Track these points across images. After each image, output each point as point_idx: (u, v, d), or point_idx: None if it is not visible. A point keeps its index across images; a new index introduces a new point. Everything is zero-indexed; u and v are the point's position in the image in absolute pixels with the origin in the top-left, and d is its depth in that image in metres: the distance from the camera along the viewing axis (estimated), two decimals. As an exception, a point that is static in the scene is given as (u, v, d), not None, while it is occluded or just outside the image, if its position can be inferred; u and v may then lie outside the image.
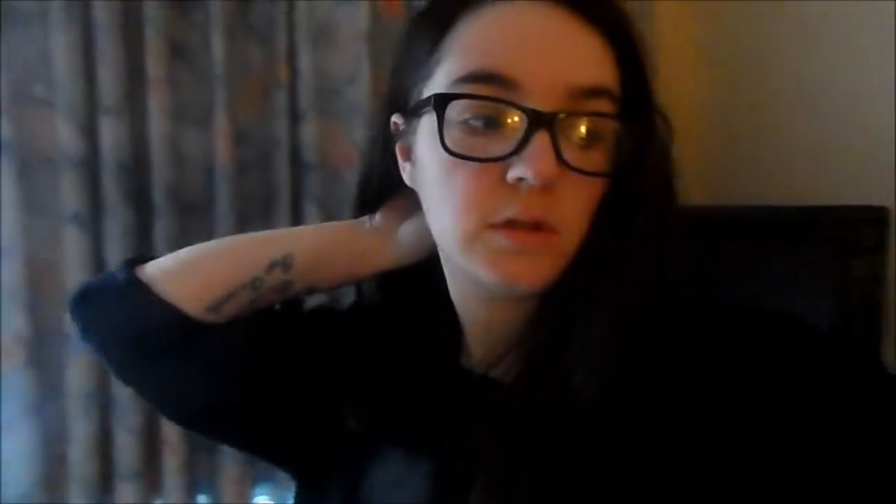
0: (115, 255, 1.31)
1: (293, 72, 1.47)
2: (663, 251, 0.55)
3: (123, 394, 1.31)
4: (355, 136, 1.54)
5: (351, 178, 1.53)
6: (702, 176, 1.41)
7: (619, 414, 0.50)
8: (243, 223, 1.45)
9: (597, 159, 0.52)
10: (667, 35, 1.49)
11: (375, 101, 1.54)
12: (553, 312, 0.55)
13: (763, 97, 1.43)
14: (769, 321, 0.52)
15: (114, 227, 1.32)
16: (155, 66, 1.34)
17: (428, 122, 0.55)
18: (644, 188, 0.53)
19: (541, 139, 0.49)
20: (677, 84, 1.27)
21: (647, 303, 0.53)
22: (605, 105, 0.52)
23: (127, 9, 1.31)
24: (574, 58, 0.51)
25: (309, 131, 1.49)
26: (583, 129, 0.51)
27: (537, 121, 0.50)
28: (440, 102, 0.52)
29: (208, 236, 1.43)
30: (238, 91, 1.44)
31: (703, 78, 1.53)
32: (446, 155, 0.52)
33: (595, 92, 0.51)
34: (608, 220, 0.53)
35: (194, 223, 1.44)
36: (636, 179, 0.53)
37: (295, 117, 1.48)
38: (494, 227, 0.51)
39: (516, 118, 0.50)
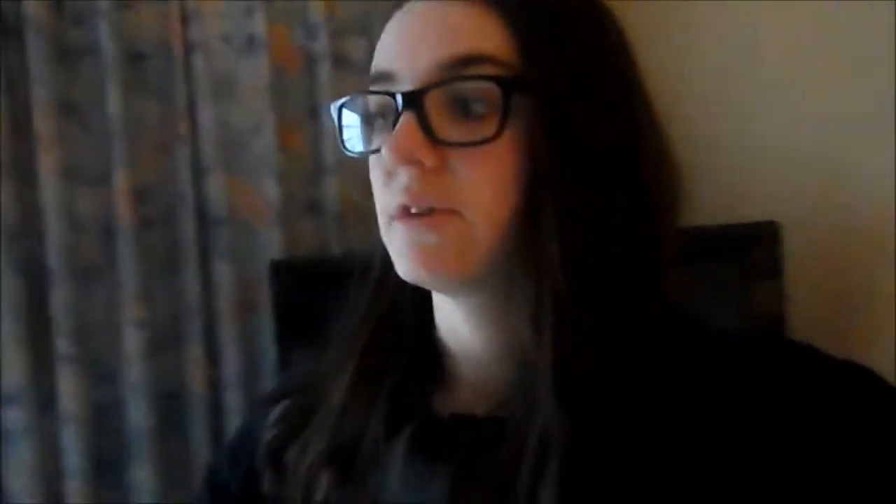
0: (8, 327, 1.23)
1: (194, 126, 1.44)
2: (620, 250, 0.49)
3: None
4: (263, 189, 1.51)
5: (261, 231, 1.50)
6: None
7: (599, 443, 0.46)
8: (148, 284, 1.39)
9: (489, 129, 0.48)
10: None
11: (282, 152, 1.52)
12: (503, 314, 0.52)
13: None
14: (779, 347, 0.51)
15: (5, 297, 1.24)
16: (44, 124, 1.29)
17: None
18: (551, 160, 0.48)
19: (403, 118, 0.48)
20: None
21: (577, 300, 0.47)
22: (486, 72, 0.48)
23: (11, 64, 1.26)
24: (444, 33, 0.49)
25: (214, 185, 1.45)
26: (458, 98, 0.48)
27: (402, 101, 0.48)
28: (336, 109, 0.54)
29: (110, 301, 1.37)
30: (137, 147, 1.39)
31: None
32: (359, 156, 0.53)
33: (469, 60, 0.48)
34: (529, 200, 0.48)
35: (95, 288, 1.37)
36: (540, 151, 0.48)
37: (199, 172, 1.44)
38: (394, 217, 0.50)
39: (394, 106, 0.49)
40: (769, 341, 0.51)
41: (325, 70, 1.57)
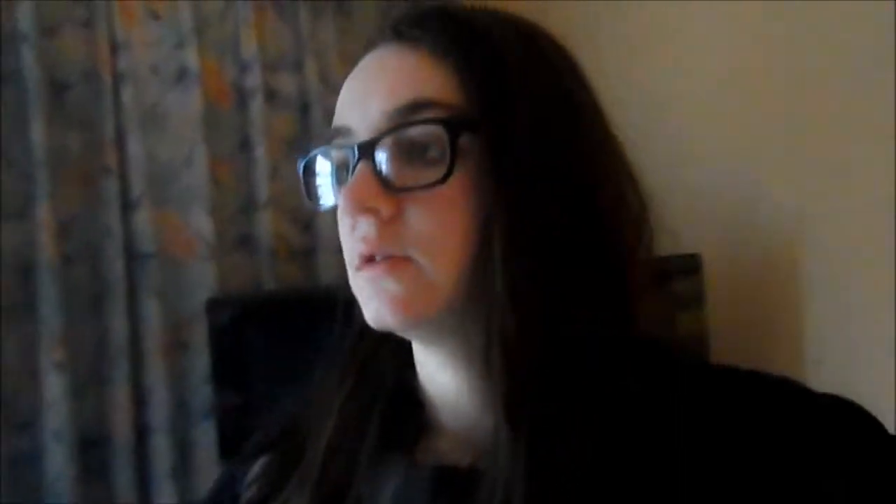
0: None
1: (122, 158, 1.38)
2: (575, 285, 0.49)
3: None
4: (194, 223, 1.46)
5: (192, 266, 1.45)
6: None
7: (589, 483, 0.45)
8: (71, 324, 1.31)
9: (437, 173, 0.48)
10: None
11: (213, 186, 1.49)
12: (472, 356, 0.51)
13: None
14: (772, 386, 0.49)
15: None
16: (-40, 154, 1.20)
17: None
18: (502, 202, 0.48)
19: (358, 169, 0.49)
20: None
21: (526, 339, 0.47)
22: (431, 116, 0.48)
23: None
24: (391, 84, 0.50)
25: (143, 219, 1.39)
26: (408, 144, 0.49)
27: (358, 153, 0.49)
28: (302, 164, 0.54)
29: (29, 342, 1.28)
30: (60, 179, 1.32)
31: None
32: (323, 210, 0.55)
33: (415, 106, 0.49)
34: (483, 242, 0.48)
35: (12, 329, 1.28)
36: (493, 192, 0.48)
37: (127, 205, 1.38)
38: (357, 266, 0.51)
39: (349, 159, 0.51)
40: (748, 375, 0.51)
41: (257, 104, 1.56)
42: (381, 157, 0.49)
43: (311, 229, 1.63)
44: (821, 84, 1.38)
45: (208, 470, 1.43)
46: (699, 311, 1.46)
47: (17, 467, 1.26)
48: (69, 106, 1.37)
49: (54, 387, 1.27)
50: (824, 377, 1.37)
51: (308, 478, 0.56)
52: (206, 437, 1.43)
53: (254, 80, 1.56)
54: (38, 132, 1.28)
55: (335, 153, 0.52)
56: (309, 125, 1.62)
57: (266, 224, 1.55)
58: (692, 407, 0.47)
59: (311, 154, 0.54)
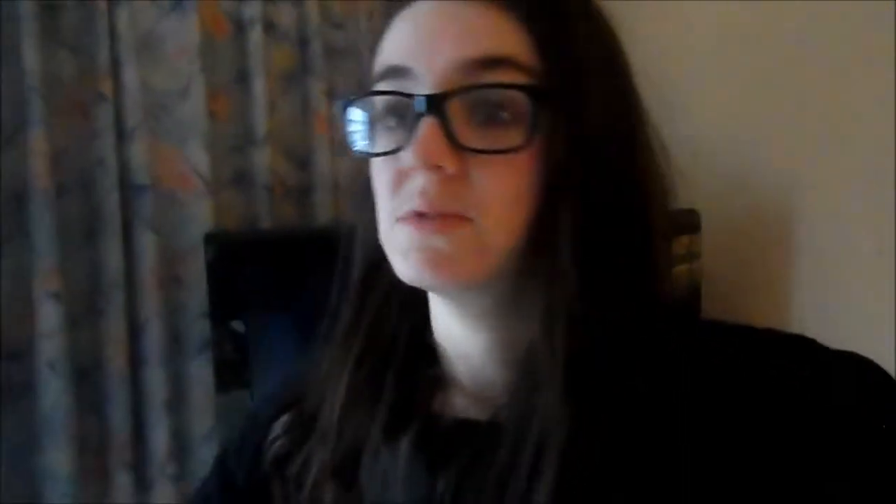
0: None
1: (117, 86, 1.34)
2: (623, 248, 0.49)
3: None
4: (190, 157, 1.43)
5: (188, 201, 1.43)
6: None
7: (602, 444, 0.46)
8: (65, 254, 1.29)
9: (513, 137, 0.47)
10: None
11: (209, 119, 1.46)
12: (511, 320, 0.52)
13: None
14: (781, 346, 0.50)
15: None
16: (-50, 75, 1.16)
17: None
18: (571, 169, 0.48)
19: (426, 122, 0.47)
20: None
21: (587, 304, 0.48)
22: (509, 76, 0.47)
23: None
24: (463, 32, 0.48)
25: (138, 151, 1.36)
26: (482, 103, 0.48)
27: (424, 104, 0.47)
28: (343, 107, 0.52)
29: (23, 272, 1.26)
30: (53, 106, 1.28)
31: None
32: (371, 158, 0.52)
33: (492, 61, 0.47)
34: (545, 207, 0.48)
35: (7, 256, 1.25)
36: (561, 159, 0.48)
37: (121, 135, 1.35)
38: (401, 220, 0.49)
39: (412, 107, 0.48)
40: (766, 335, 0.51)
41: (255, 35, 1.51)
42: (451, 112, 0.47)
43: (308, 167, 1.61)
44: (823, 46, 1.38)
45: (203, 404, 1.44)
46: (695, 264, 1.47)
47: (12, 397, 1.26)
48: (62, 30, 1.32)
49: (49, 317, 1.26)
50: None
51: (327, 435, 0.56)
52: (201, 371, 1.43)
53: (252, 10, 1.51)
54: (30, 57, 1.23)
55: (400, 100, 0.49)
56: (308, 59, 1.58)
57: (263, 160, 1.52)
58: (708, 370, 0.48)
59: (359, 96, 0.51)
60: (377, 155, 0.51)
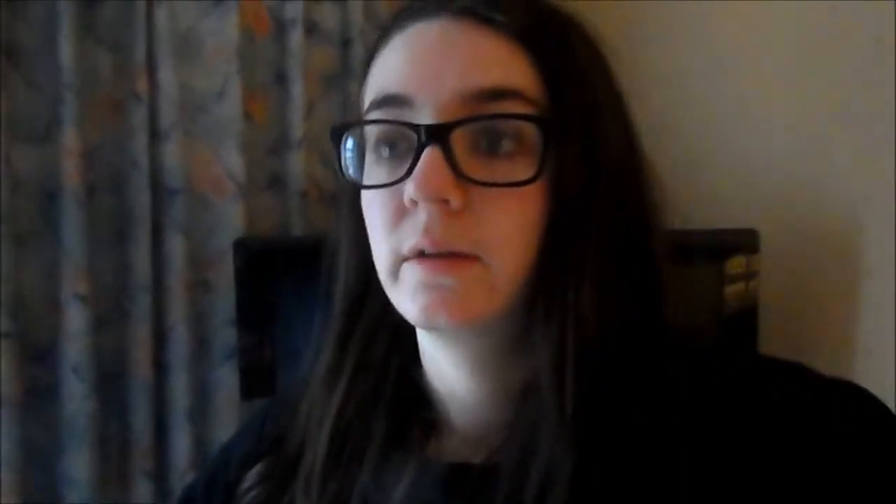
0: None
1: (153, 85, 1.31)
2: (631, 279, 0.49)
3: None
4: (224, 159, 1.40)
5: (220, 205, 1.40)
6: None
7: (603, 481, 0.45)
8: (93, 256, 1.26)
9: (520, 170, 0.46)
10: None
11: (246, 121, 1.42)
12: (513, 357, 0.50)
13: (636, 121, 1.47)
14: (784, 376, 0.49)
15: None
16: (-16, 70, 1.14)
17: None
18: (582, 203, 0.47)
19: (429, 153, 0.45)
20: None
21: (598, 339, 0.47)
22: (517, 108, 0.46)
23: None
24: (469, 62, 0.46)
25: (172, 152, 1.33)
26: (486, 134, 0.46)
27: (427, 135, 0.45)
28: (335, 135, 0.50)
29: (50, 272, 1.24)
30: (88, 104, 1.26)
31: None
32: (363, 189, 0.50)
33: (499, 93, 0.46)
34: (554, 242, 0.47)
35: (33, 257, 1.23)
36: (573, 192, 0.47)
37: (155, 135, 1.32)
38: (407, 259, 0.47)
39: (413, 137, 0.46)
40: (762, 361, 0.50)
41: (296, 35, 1.47)
42: (454, 142, 0.45)
43: (344, 172, 1.56)
44: (890, 53, 1.29)
45: (227, 412, 1.40)
46: (751, 285, 1.40)
47: (36, 399, 1.24)
48: (99, 26, 1.29)
49: (76, 319, 1.24)
50: (873, 366, 1.32)
51: (311, 481, 0.53)
52: (226, 378, 1.40)
53: (295, 9, 1.47)
54: (66, 53, 1.21)
55: (380, 126, 0.48)
56: (349, 62, 1.54)
57: (298, 165, 1.48)
58: (708, 395, 0.47)
59: (354, 123, 0.49)
60: (373, 187, 0.48)
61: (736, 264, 1.38)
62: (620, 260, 0.48)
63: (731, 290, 1.36)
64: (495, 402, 0.51)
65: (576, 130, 0.47)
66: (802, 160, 1.41)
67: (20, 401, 1.19)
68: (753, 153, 1.44)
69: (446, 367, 0.53)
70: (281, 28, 1.49)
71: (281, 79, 1.49)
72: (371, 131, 0.49)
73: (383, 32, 0.51)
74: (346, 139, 0.49)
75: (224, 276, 1.38)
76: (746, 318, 1.37)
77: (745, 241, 1.36)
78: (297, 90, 1.48)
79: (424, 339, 0.53)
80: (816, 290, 1.39)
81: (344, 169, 0.50)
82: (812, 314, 1.39)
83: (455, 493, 0.49)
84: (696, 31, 1.50)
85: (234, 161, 1.40)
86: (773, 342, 1.32)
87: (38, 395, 1.24)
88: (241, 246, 1.34)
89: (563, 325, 0.47)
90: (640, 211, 0.50)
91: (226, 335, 1.39)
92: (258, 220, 1.46)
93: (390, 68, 0.48)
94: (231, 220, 1.39)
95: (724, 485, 0.44)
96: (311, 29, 1.51)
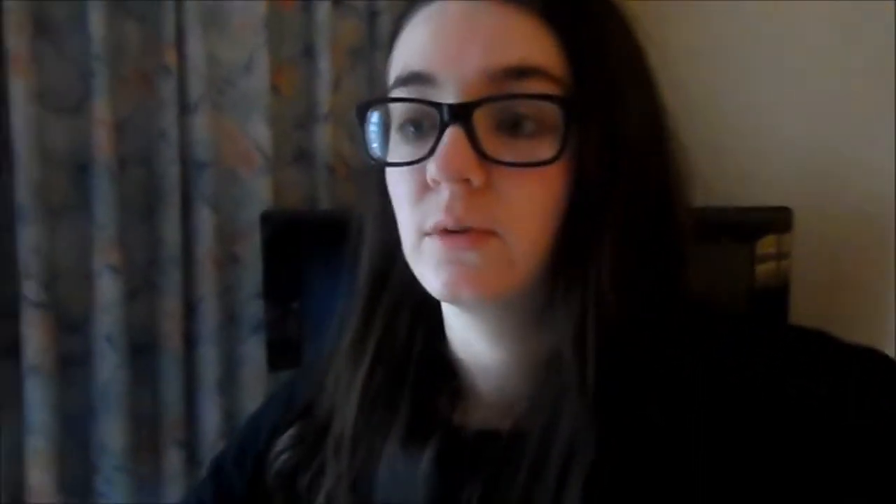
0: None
1: (181, 57, 1.31)
2: (652, 255, 0.49)
3: None
4: (252, 133, 1.40)
5: (248, 178, 1.40)
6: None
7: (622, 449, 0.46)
8: (125, 228, 1.28)
9: (542, 149, 0.46)
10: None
11: (273, 94, 1.42)
12: (536, 332, 0.51)
13: (667, 97, 1.45)
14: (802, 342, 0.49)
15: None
16: (16, 42, 1.14)
17: None
18: (603, 183, 0.47)
19: (451, 133, 0.45)
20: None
21: (619, 314, 0.47)
22: (540, 86, 0.46)
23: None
24: (492, 39, 0.46)
25: (200, 124, 1.33)
26: (509, 113, 0.46)
27: (450, 114, 0.46)
28: (360, 112, 0.51)
29: (83, 243, 1.25)
30: (118, 76, 1.26)
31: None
32: (388, 167, 0.51)
33: (523, 71, 0.46)
34: (575, 220, 0.48)
35: (66, 229, 1.25)
36: (594, 172, 0.47)
37: (185, 108, 1.32)
38: (429, 234, 0.48)
39: (436, 116, 0.47)
40: (787, 332, 0.51)
41: (323, 7, 1.46)
42: (477, 122, 0.46)
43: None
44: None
45: (255, 384, 1.42)
46: (783, 264, 1.38)
47: (69, 368, 1.26)
48: (129, -2, 1.29)
49: (108, 290, 1.25)
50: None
51: (341, 449, 0.55)
52: (254, 351, 1.41)
53: (321, -20, 1.46)
54: (96, 25, 1.21)
55: (403, 105, 0.48)
56: (377, 35, 1.53)
57: (325, 138, 1.48)
58: (729, 372, 0.47)
59: (379, 100, 0.50)
60: (397, 165, 0.49)
61: (767, 244, 1.36)
62: (642, 238, 0.49)
63: (762, 268, 1.35)
64: (520, 371, 0.52)
65: (598, 110, 0.47)
66: (838, 141, 1.39)
67: (54, 370, 1.21)
68: (788, 129, 1.42)
69: (471, 338, 0.54)
70: (307, 1, 1.48)
71: (308, 52, 1.48)
72: (396, 109, 0.49)
73: (408, 6, 0.51)
74: (371, 116, 0.50)
75: (252, 250, 1.39)
76: (777, 297, 1.36)
77: (778, 219, 1.34)
78: (325, 63, 1.47)
79: (449, 312, 0.54)
80: (850, 270, 1.38)
81: (369, 146, 0.50)
82: (844, 292, 1.37)
83: (482, 459, 0.50)
84: (731, 4, 1.47)
85: (261, 134, 1.40)
86: (803, 322, 1.31)
87: (72, 364, 1.26)
88: (268, 219, 1.35)
89: (584, 301, 0.47)
90: (662, 189, 0.50)
91: (253, 308, 1.41)
92: (285, 194, 1.46)
93: (414, 45, 0.48)
94: (258, 194, 1.40)
95: (742, 462, 0.45)
96: (338, 1, 1.50)
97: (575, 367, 0.47)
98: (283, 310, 1.36)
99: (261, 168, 1.40)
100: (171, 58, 1.30)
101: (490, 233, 0.46)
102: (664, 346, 0.48)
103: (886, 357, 0.48)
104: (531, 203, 0.46)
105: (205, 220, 1.35)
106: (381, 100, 0.50)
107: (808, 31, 1.42)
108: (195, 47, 1.32)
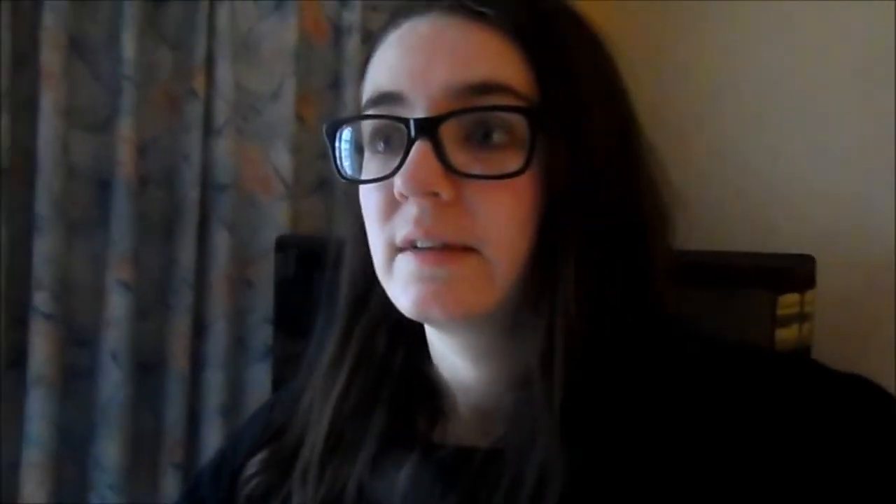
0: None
1: (209, 83, 1.34)
2: (622, 268, 0.49)
3: None
4: (274, 159, 1.41)
5: (267, 204, 1.41)
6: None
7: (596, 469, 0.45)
8: (140, 245, 1.29)
9: (510, 162, 0.46)
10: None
11: (297, 123, 1.44)
12: (515, 349, 0.50)
13: (690, 143, 1.43)
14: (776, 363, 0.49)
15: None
16: (50, 57, 1.18)
17: None
18: (569, 196, 0.47)
19: (418, 147, 0.46)
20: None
21: (586, 331, 0.47)
22: (504, 101, 0.46)
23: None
24: (459, 56, 0.47)
25: (223, 149, 1.35)
26: (477, 126, 0.46)
27: (416, 129, 0.46)
28: (330, 131, 0.51)
29: (97, 258, 1.26)
30: (145, 97, 1.29)
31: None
32: (359, 184, 0.51)
33: (487, 87, 0.46)
34: (545, 234, 0.47)
35: (82, 242, 1.26)
36: (562, 185, 0.47)
37: (208, 132, 1.34)
38: (401, 250, 0.48)
39: (405, 132, 0.47)
40: (769, 357, 0.51)
41: (352, 43, 1.49)
42: (444, 136, 0.46)
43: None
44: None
45: (258, 411, 1.40)
46: (804, 328, 1.34)
47: (72, 381, 1.26)
48: (162, 23, 1.32)
49: (118, 305, 1.26)
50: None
51: (307, 474, 0.54)
52: (260, 377, 1.40)
53: (352, 16, 1.49)
54: (128, 46, 1.24)
55: (372, 123, 0.49)
56: (403, 71, 1.54)
57: (346, 169, 1.49)
58: (707, 384, 0.47)
59: (350, 119, 0.51)
60: (366, 182, 0.48)
61: (789, 303, 1.32)
62: (610, 253, 0.48)
63: (783, 333, 1.30)
64: (500, 389, 0.51)
65: (565, 122, 0.47)
66: (865, 187, 1.36)
67: (57, 382, 1.21)
68: (811, 175, 1.40)
69: (450, 355, 0.53)
70: (338, 34, 1.51)
71: (335, 84, 1.50)
72: (366, 127, 0.49)
73: (380, 31, 0.52)
74: (342, 135, 0.51)
75: (265, 275, 1.39)
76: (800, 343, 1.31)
77: (800, 270, 1.30)
78: (350, 96, 1.49)
79: (430, 330, 0.54)
80: (879, 328, 1.33)
81: (339, 165, 0.50)
82: (871, 355, 1.32)
83: (460, 475, 0.49)
84: (758, 51, 1.47)
85: (283, 162, 1.41)
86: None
87: (76, 377, 1.26)
88: (282, 244, 1.35)
89: (551, 318, 0.47)
90: (632, 203, 0.50)
91: (263, 333, 1.40)
92: (303, 222, 1.47)
93: (384, 66, 0.49)
94: (276, 220, 1.40)
95: (713, 482, 0.44)
96: (367, 37, 1.53)
97: (542, 385, 0.47)
98: (291, 336, 1.35)
99: (280, 195, 1.41)
100: (199, 82, 1.33)
101: (468, 249, 0.46)
102: (633, 365, 0.47)
103: (869, 382, 0.47)
104: (503, 216, 0.46)
105: (221, 243, 1.36)
106: (351, 118, 0.51)
107: (834, 80, 1.40)
108: (224, 73, 1.35)
